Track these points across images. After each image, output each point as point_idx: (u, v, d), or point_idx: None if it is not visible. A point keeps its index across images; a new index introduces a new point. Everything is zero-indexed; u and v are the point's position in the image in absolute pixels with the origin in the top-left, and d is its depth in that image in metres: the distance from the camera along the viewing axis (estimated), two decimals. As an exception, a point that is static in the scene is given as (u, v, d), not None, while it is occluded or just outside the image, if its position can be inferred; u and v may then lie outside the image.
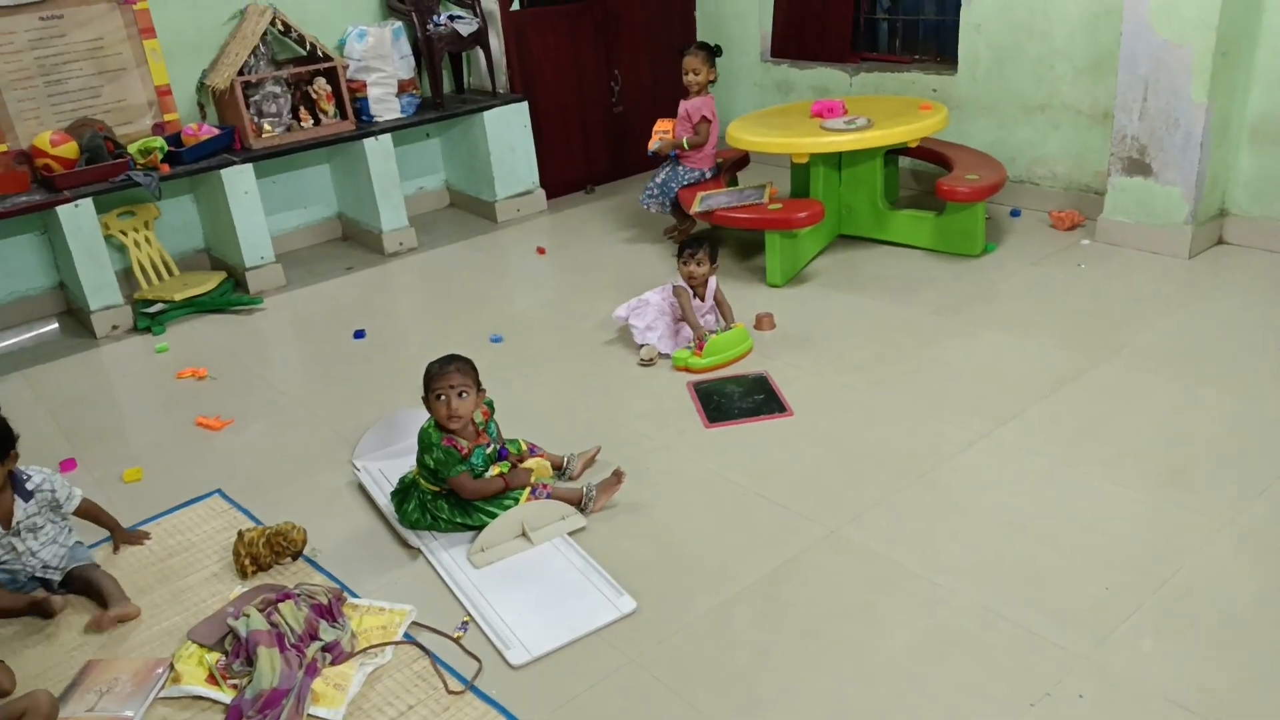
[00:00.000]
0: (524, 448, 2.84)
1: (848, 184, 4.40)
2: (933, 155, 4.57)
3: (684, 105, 4.58)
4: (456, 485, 2.58)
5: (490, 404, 2.73)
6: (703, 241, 3.61)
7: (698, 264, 3.54)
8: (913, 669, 2.08)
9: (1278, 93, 3.84)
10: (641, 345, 3.56)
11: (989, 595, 2.26)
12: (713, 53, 4.55)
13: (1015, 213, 4.68)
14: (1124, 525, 2.46)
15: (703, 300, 3.60)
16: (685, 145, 4.54)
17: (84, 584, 2.51)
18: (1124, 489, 2.60)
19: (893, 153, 4.58)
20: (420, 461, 2.63)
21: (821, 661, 2.12)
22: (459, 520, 2.61)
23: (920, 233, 4.33)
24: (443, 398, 2.55)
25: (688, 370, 3.43)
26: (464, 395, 2.56)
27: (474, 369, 2.64)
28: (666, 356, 3.53)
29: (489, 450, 2.65)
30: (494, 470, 2.65)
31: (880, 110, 4.34)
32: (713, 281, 3.62)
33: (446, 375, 2.56)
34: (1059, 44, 4.40)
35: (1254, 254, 3.98)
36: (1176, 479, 2.62)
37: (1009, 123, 4.69)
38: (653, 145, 4.63)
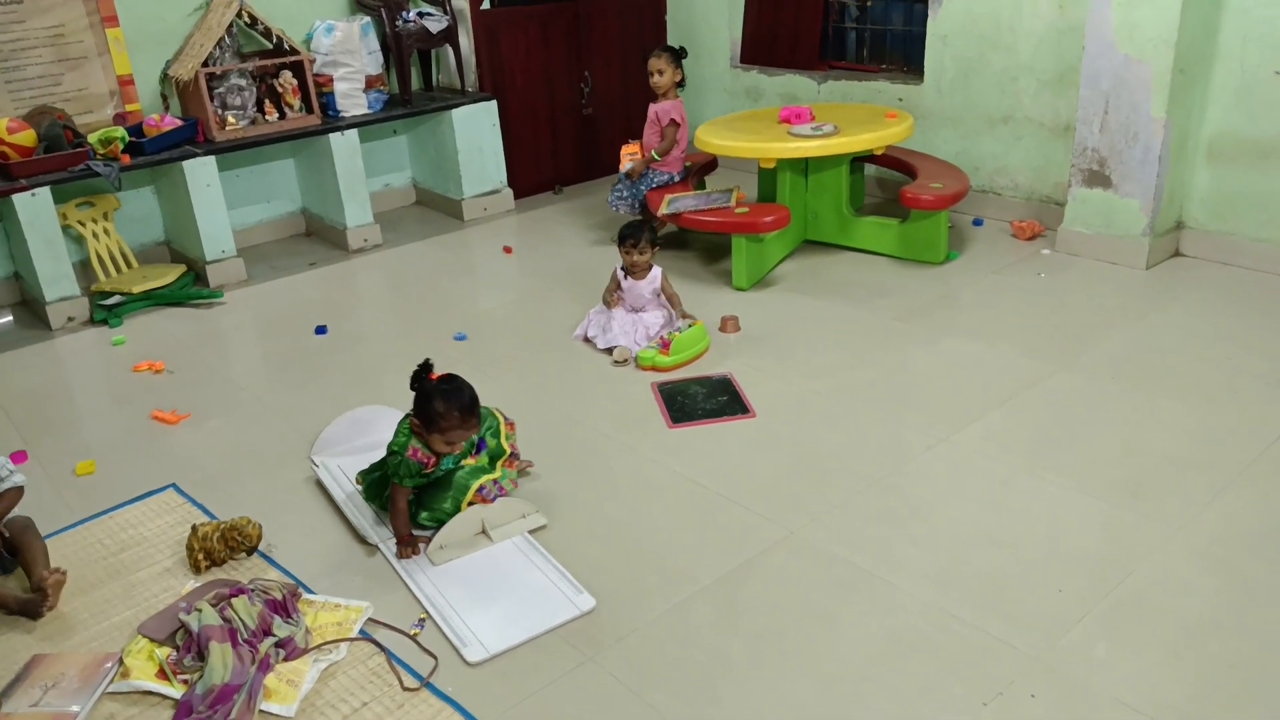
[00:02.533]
0: (505, 441, 2.75)
1: (814, 190, 4.44)
2: (898, 163, 4.62)
3: (653, 108, 4.59)
4: (393, 492, 2.53)
5: None
6: (640, 228, 3.63)
7: (639, 253, 3.59)
8: (869, 670, 2.10)
9: (1233, 111, 3.92)
10: (613, 348, 3.57)
11: (945, 598, 2.28)
12: (678, 55, 4.57)
13: (978, 222, 4.74)
14: (1079, 530, 2.49)
15: (640, 280, 3.63)
16: (657, 156, 4.55)
17: (15, 544, 2.47)
18: (1079, 495, 2.63)
19: (858, 160, 4.62)
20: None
21: (779, 662, 2.12)
22: (418, 521, 2.60)
23: (884, 240, 4.37)
24: (453, 444, 2.48)
25: (654, 369, 3.44)
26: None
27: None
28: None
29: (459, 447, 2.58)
30: (469, 462, 2.63)
31: (847, 118, 4.37)
32: (656, 270, 3.64)
33: (470, 426, 2.46)
34: (1023, 57, 4.46)
35: (1209, 267, 4.06)
36: (1131, 486, 2.66)
37: (973, 133, 4.75)
38: (624, 167, 4.63)
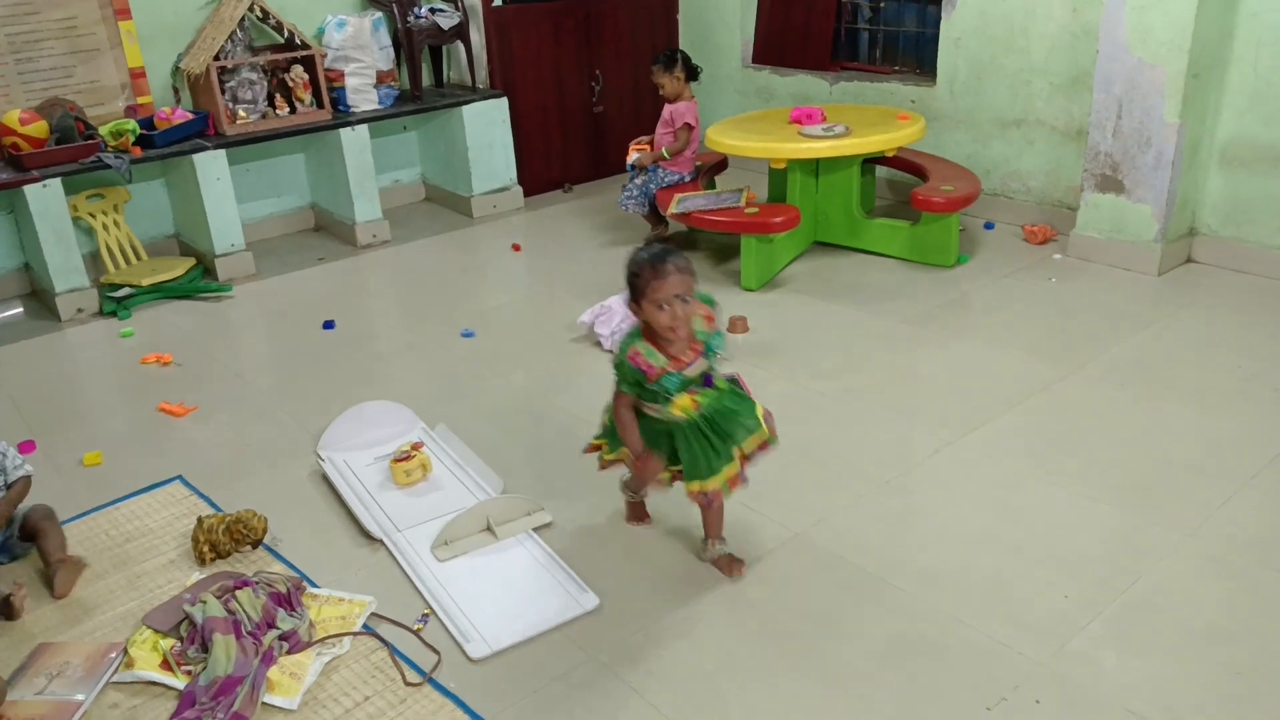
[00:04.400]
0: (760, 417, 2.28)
1: (824, 191, 4.42)
2: (909, 166, 4.60)
3: (668, 108, 4.58)
4: (615, 405, 2.24)
5: (712, 302, 2.22)
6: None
7: None
8: (873, 672, 2.09)
9: (1247, 116, 3.90)
10: (610, 350, 3.56)
11: (951, 601, 2.27)
12: (669, 61, 4.52)
13: (989, 225, 4.72)
14: (1086, 535, 2.48)
15: None
16: (666, 155, 4.54)
17: (32, 533, 2.51)
18: (1087, 500, 2.62)
19: (870, 162, 4.60)
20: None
21: (783, 663, 2.12)
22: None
23: (894, 242, 4.36)
24: (666, 307, 2.09)
25: None
26: (689, 299, 2.10)
27: (689, 261, 2.16)
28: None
29: (691, 372, 2.17)
30: (684, 400, 2.16)
31: (858, 119, 4.36)
32: None
33: (666, 280, 2.07)
34: (1036, 61, 4.45)
35: (1221, 273, 4.04)
36: (1139, 491, 2.64)
37: (985, 136, 4.73)
38: (631, 158, 4.63)
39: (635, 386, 2.18)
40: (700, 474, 2.22)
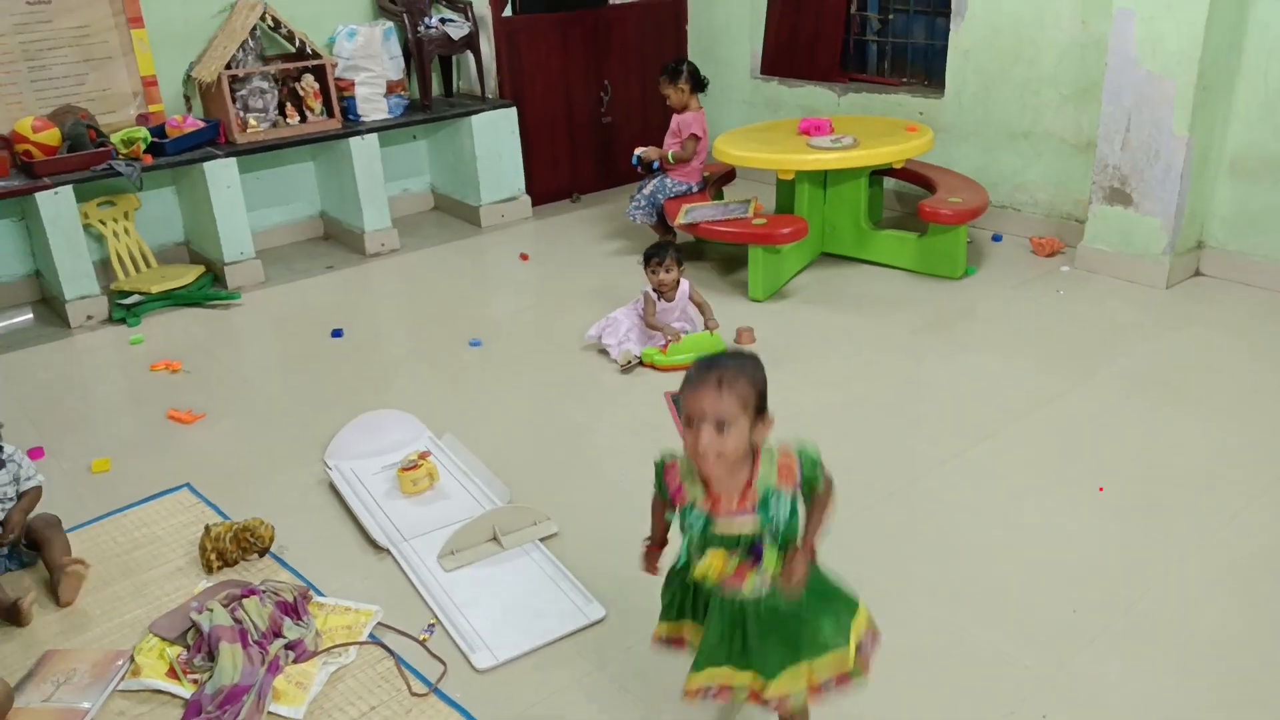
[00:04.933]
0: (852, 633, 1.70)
1: (832, 202, 4.43)
2: (917, 177, 4.60)
3: (676, 119, 4.61)
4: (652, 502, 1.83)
5: (812, 460, 1.71)
6: (666, 247, 3.65)
7: (666, 271, 3.60)
8: (878, 684, 2.06)
9: (1257, 129, 3.89)
10: (615, 360, 3.58)
11: (956, 614, 2.26)
12: (675, 72, 4.55)
13: (996, 237, 4.71)
14: (1093, 548, 2.47)
15: (671, 301, 3.63)
16: (670, 159, 4.56)
17: (36, 542, 2.52)
18: (1094, 511, 2.61)
19: (878, 173, 4.60)
20: None
21: (788, 675, 2.11)
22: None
23: (902, 253, 4.35)
24: (693, 424, 1.58)
25: (653, 367, 3.47)
26: (726, 429, 1.56)
27: (753, 383, 1.61)
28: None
29: (727, 528, 1.63)
30: (714, 561, 1.64)
31: (867, 130, 4.37)
32: (684, 285, 3.66)
33: (696, 391, 1.57)
34: (1045, 72, 4.45)
35: (1229, 286, 4.02)
36: (1147, 504, 2.63)
37: (993, 148, 4.73)
38: (638, 151, 4.66)
39: (666, 496, 1.73)
40: (715, 660, 1.67)
